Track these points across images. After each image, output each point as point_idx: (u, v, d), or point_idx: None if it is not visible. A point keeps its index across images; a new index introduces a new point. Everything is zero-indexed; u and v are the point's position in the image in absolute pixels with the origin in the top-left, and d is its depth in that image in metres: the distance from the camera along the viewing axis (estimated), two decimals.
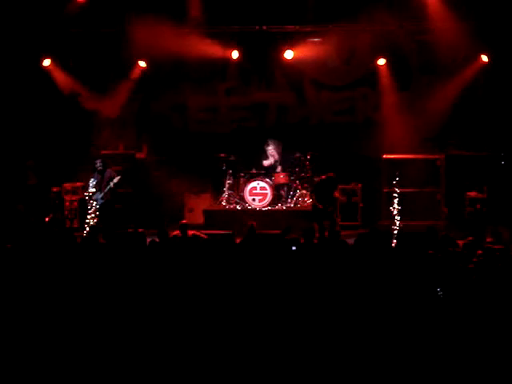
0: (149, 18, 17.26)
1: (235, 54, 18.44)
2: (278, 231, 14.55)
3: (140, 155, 19.14)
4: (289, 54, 18.26)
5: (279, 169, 18.22)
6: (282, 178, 17.86)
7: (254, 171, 18.11)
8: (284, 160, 18.36)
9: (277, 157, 18.27)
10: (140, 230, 14.96)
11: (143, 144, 19.32)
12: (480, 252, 10.38)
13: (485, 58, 17.65)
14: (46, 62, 18.35)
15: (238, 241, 12.97)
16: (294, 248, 10.77)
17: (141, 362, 7.50)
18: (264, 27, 18.39)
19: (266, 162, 18.34)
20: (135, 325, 8.05)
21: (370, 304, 8.19)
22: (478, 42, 17.37)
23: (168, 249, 11.14)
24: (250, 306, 8.26)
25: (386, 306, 7.93)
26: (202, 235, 13.81)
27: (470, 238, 11.37)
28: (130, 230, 15.48)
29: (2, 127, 18.26)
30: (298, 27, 18.34)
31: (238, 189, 18.07)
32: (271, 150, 18.23)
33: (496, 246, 10.77)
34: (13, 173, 18.15)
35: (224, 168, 18.17)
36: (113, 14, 17.96)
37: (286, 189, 17.97)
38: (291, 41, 18.34)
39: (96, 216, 15.95)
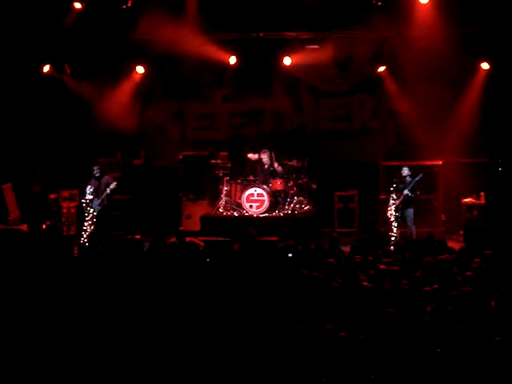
0: (148, 25, 17.30)
1: (233, 60, 18.44)
2: (275, 238, 14.62)
3: (137, 162, 19.15)
4: (287, 61, 18.28)
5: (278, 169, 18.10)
6: (279, 184, 17.84)
7: (251, 178, 18.10)
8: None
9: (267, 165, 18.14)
10: (137, 236, 15.02)
11: (140, 151, 19.33)
12: (477, 260, 10.39)
13: (485, 66, 17.67)
14: (45, 69, 18.37)
15: (235, 247, 12.98)
16: (290, 255, 10.79)
17: (140, 368, 7.50)
18: (261, 34, 18.42)
19: (251, 155, 18.21)
20: (133, 330, 8.05)
21: (367, 308, 8.20)
22: (475, 49, 17.43)
23: (165, 255, 11.16)
24: (247, 312, 8.27)
25: (382, 311, 7.94)
26: (199, 242, 13.84)
27: (464, 246, 11.41)
28: (127, 237, 15.48)
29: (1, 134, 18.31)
30: (295, 34, 18.35)
31: (235, 195, 18.05)
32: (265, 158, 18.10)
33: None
34: (15, 179, 18.14)
35: (221, 175, 18.16)
36: (111, 20, 17.99)
37: (283, 195, 17.95)
38: (288, 48, 18.37)
39: (93, 223, 15.95)
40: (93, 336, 7.97)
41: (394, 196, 15.82)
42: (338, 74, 18.91)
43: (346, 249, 12.16)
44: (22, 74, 18.11)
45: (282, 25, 18.22)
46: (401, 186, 15.97)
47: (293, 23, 18.18)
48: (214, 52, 18.16)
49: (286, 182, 17.92)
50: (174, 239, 14.16)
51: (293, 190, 17.98)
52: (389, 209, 15.80)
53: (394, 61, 18.19)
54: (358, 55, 18.41)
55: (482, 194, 17.37)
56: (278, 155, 18.18)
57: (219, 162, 18.34)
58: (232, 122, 19.56)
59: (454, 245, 13.30)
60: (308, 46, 18.52)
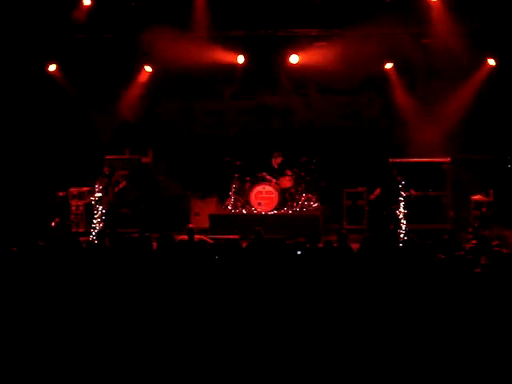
0: (155, 25, 17.30)
1: (241, 59, 18.46)
2: (283, 235, 14.59)
3: (146, 160, 19.17)
4: (294, 59, 18.27)
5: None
6: (287, 182, 17.84)
7: (260, 175, 18.09)
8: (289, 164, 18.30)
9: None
10: (146, 234, 15.03)
11: (149, 148, 19.34)
12: (487, 256, 10.36)
13: (492, 62, 17.64)
14: (52, 68, 18.42)
15: (244, 245, 12.95)
16: (299, 252, 10.76)
17: (147, 367, 7.50)
18: (269, 31, 18.41)
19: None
20: (141, 329, 8.06)
21: (375, 309, 8.18)
22: (483, 46, 17.39)
23: (174, 253, 11.15)
24: (255, 310, 8.26)
25: (391, 311, 7.92)
26: (208, 240, 13.84)
27: (474, 242, 11.36)
28: (136, 235, 15.50)
29: (8, 132, 18.35)
30: (303, 31, 18.34)
31: (243, 193, 18.05)
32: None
33: (503, 250, 10.75)
34: (22, 176, 18.20)
35: (230, 172, 18.15)
36: (119, 19, 18.01)
37: (291, 193, 17.93)
38: (297, 45, 18.36)
39: (102, 220, 15.99)
40: (101, 334, 7.98)
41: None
42: (347, 71, 18.87)
43: (355, 245, 12.12)
44: (30, 73, 18.18)
45: (290, 22, 18.21)
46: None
47: (301, 20, 18.17)
48: (223, 51, 18.20)
49: (294, 179, 17.92)
50: (182, 237, 14.20)
51: (301, 187, 17.98)
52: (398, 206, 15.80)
53: (403, 58, 18.17)
54: (367, 52, 18.36)
55: (491, 191, 17.32)
56: (287, 152, 18.20)
57: (228, 159, 18.32)
58: (240, 119, 19.57)
59: (463, 242, 13.33)
60: (317, 43, 18.51)
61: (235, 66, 18.79)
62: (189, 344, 7.71)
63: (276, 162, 18.12)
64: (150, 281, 9.24)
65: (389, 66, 18.26)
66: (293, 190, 17.91)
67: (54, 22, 17.68)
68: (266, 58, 18.87)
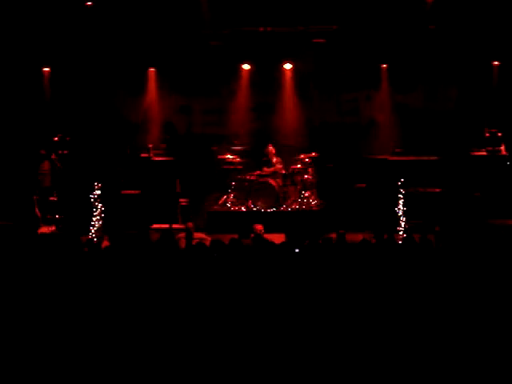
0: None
1: (246, 66, 18.69)
2: (282, 233, 14.64)
3: (145, 156, 19.19)
4: (288, 66, 18.48)
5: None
6: (287, 179, 17.88)
7: (258, 173, 18.10)
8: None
9: None
10: (145, 231, 15.08)
11: (148, 145, 19.35)
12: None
13: (495, 62, 17.76)
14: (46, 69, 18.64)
15: (243, 243, 12.98)
16: (297, 250, 10.79)
17: (146, 366, 7.53)
18: (269, 28, 18.44)
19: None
20: (140, 325, 8.08)
21: (374, 307, 8.21)
22: (486, 45, 17.49)
23: (173, 251, 11.19)
24: (254, 310, 8.29)
25: (390, 309, 7.95)
26: (207, 237, 13.90)
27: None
28: (135, 232, 15.53)
29: (9, 131, 18.43)
30: (302, 29, 18.38)
31: (242, 190, 18.03)
32: None
33: None
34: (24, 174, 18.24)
35: (228, 169, 18.14)
36: (119, 19, 18.12)
37: (291, 190, 17.93)
38: (295, 42, 18.40)
39: (101, 218, 16.01)
40: (100, 332, 8.00)
41: None
42: (344, 69, 18.91)
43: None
44: (26, 73, 18.32)
45: (289, 19, 18.25)
46: None
47: (300, 18, 18.22)
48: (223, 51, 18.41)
49: (294, 176, 17.94)
50: (182, 235, 14.24)
51: (301, 184, 17.98)
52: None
53: (401, 55, 18.22)
54: (365, 49, 18.41)
55: (490, 187, 17.35)
56: (286, 150, 18.22)
57: (226, 156, 18.33)
58: (239, 117, 19.56)
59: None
60: (315, 41, 18.56)
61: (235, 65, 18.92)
62: (188, 343, 7.73)
63: (271, 154, 18.16)
64: (150, 278, 9.27)
65: (385, 64, 18.38)
66: (292, 187, 17.94)
67: (56, 23, 17.80)
68: (265, 55, 18.90)
